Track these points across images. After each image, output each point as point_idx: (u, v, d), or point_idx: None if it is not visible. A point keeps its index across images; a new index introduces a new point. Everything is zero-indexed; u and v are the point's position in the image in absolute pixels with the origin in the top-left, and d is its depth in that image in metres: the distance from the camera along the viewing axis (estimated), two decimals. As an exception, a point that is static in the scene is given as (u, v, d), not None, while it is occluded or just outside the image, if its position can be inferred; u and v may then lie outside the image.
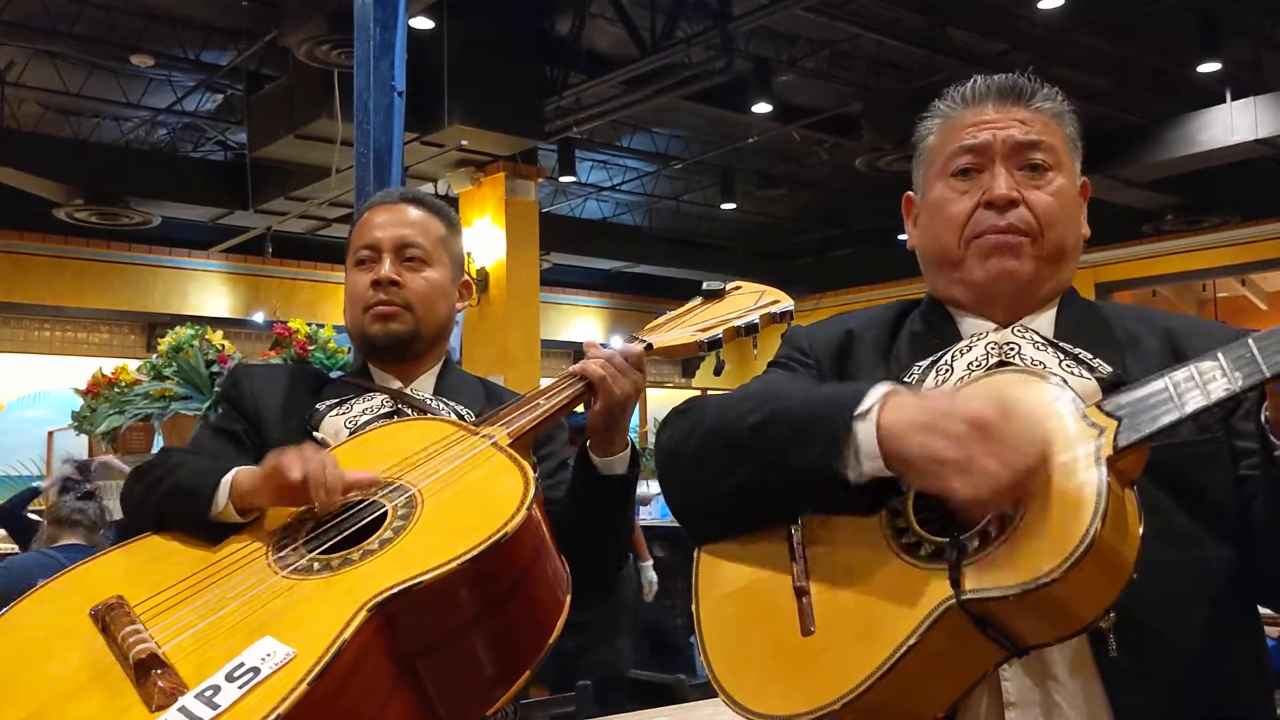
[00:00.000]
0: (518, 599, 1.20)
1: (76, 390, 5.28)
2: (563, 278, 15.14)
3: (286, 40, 8.02)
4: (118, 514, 4.19)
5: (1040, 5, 8.42)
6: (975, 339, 1.36)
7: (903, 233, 1.49)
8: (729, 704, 1.17)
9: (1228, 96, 9.73)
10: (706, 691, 2.87)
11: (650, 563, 6.39)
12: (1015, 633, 1.07)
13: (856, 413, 1.15)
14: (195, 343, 4.52)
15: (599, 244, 14.48)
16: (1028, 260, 1.34)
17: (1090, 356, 1.29)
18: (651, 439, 9.61)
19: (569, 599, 1.26)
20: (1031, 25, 8.96)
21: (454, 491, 1.27)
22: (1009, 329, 1.36)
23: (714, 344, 1.59)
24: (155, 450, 4.84)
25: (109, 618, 1.20)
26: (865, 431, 1.14)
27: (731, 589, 1.26)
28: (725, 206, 13.58)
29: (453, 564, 1.12)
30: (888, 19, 8.70)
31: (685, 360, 16.17)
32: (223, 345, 4.61)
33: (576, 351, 1.59)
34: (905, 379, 1.34)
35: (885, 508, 1.18)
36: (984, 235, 1.34)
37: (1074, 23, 8.78)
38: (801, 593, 1.18)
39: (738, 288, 1.70)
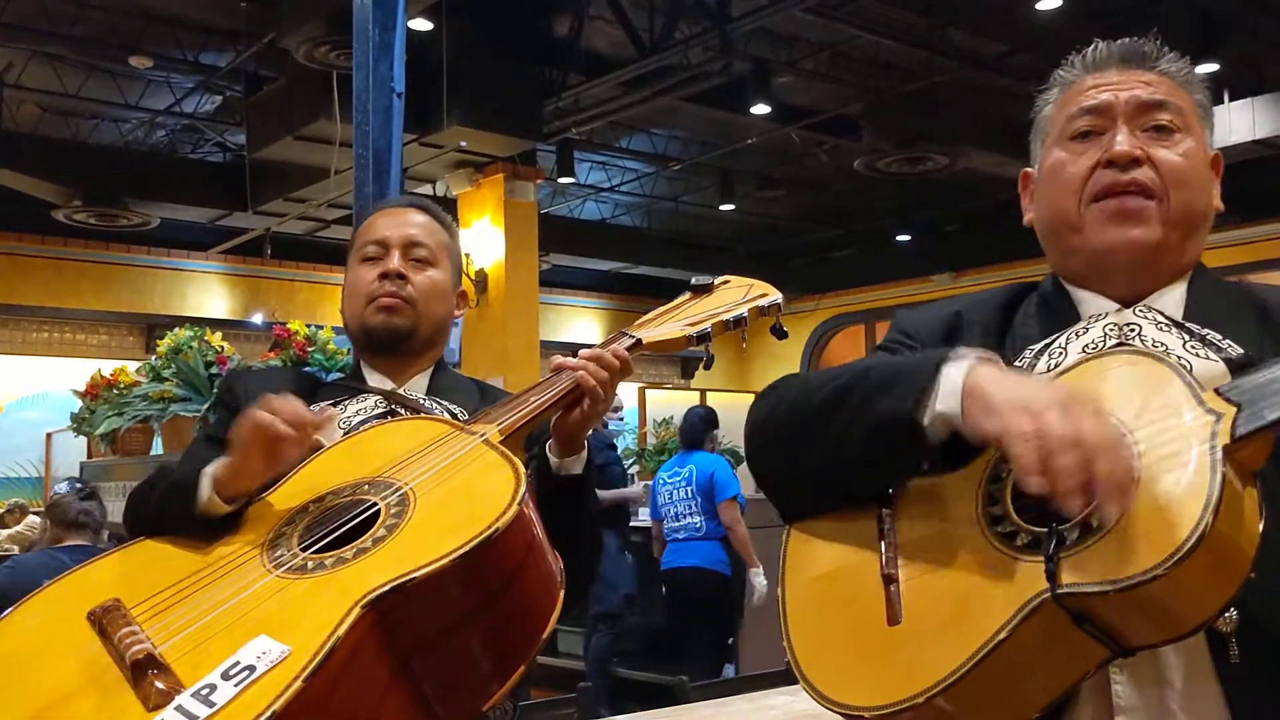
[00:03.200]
0: (511, 594, 1.20)
1: (75, 392, 5.29)
2: (562, 279, 15.16)
3: (285, 42, 8.03)
4: (115, 515, 4.20)
5: (1040, 5, 8.42)
6: (1093, 320, 1.27)
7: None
8: (808, 691, 1.12)
9: (1226, 97, 9.73)
10: (707, 693, 2.86)
11: (760, 569, 6.13)
12: (1116, 631, 1.00)
13: (950, 359, 1.11)
14: (194, 344, 4.52)
15: (598, 245, 14.49)
16: (1154, 226, 1.24)
17: (1219, 338, 1.19)
18: (651, 439, 9.61)
19: (563, 594, 1.26)
20: (1031, 25, 8.96)
21: (446, 489, 1.27)
22: (1131, 309, 1.27)
23: (703, 338, 1.61)
24: (154, 452, 4.84)
25: (106, 620, 1.20)
26: (952, 374, 1.10)
27: (818, 571, 1.21)
28: (724, 208, 13.57)
29: (445, 560, 1.12)
30: (887, 20, 8.69)
31: (684, 360, 16.10)
32: (222, 347, 4.62)
33: (575, 353, 1.59)
34: (1017, 364, 1.26)
35: (981, 493, 1.12)
36: (1104, 199, 1.26)
37: (1074, 23, 8.78)
38: (890, 580, 1.13)
39: (726, 282, 1.71)
